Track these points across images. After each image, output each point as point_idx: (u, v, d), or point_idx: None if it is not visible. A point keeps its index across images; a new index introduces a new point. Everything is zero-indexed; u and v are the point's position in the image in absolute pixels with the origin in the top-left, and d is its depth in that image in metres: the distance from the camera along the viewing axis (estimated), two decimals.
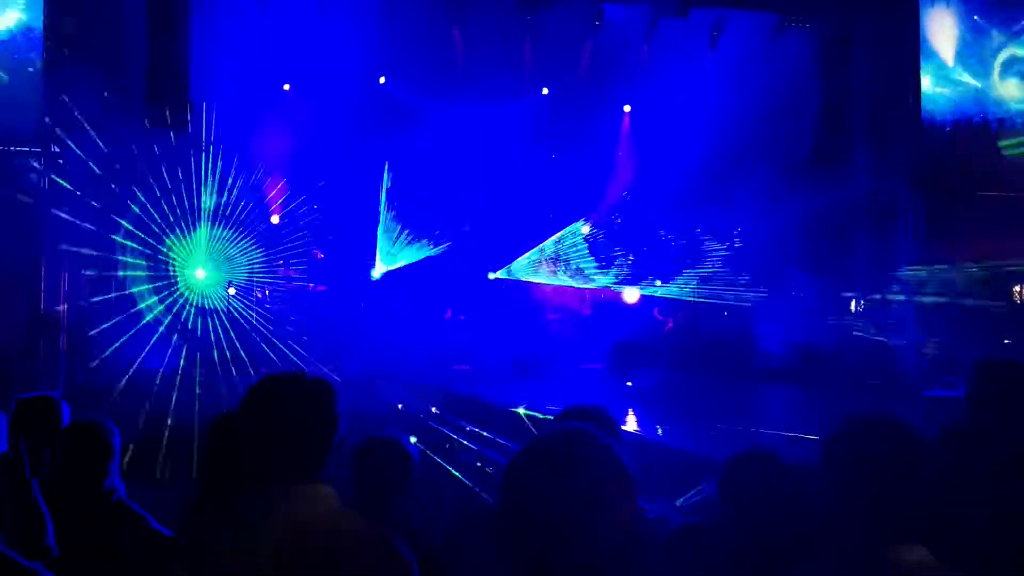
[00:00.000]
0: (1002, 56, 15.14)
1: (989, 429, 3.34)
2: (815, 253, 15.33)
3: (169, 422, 9.50)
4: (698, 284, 17.03)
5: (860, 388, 13.10)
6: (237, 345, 14.04)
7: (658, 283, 17.18)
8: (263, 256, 15.46)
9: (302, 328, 14.94)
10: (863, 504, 1.97)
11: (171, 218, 13.95)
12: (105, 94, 12.68)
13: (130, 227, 13.30)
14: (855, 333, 14.94)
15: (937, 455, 2.07)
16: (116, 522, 3.33)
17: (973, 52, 15.10)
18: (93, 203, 12.79)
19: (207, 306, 14.52)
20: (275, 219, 15.65)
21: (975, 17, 15.03)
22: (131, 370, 12.28)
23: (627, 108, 16.85)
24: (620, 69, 15.70)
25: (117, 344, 12.67)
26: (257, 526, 2.02)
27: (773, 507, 2.94)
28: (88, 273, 12.99)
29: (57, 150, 12.80)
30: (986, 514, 2.87)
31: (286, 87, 15.39)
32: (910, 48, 14.84)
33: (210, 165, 14.05)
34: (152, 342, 13.00)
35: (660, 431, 9.41)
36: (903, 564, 1.89)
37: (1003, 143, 14.44)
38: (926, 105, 14.86)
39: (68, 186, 12.63)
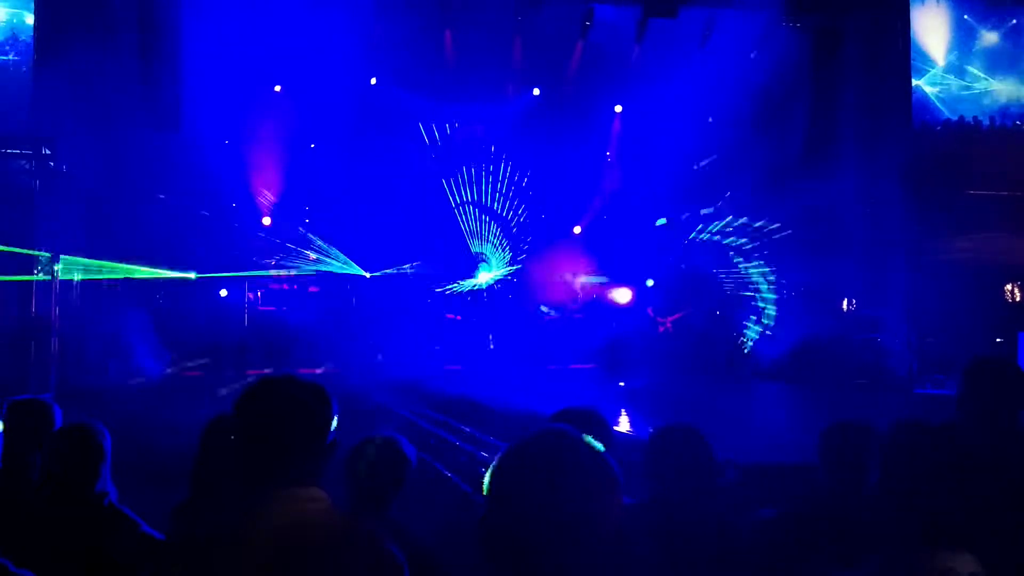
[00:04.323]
0: (992, 55, 15.20)
1: (979, 427, 3.35)
2: (806, 252, 15.36)
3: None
4: (690, 283, 17.08)
5: (852, 387, 13.13)
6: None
7: (650, 282, 17.21)
8: (255, 257, 15.46)
9: (296, 328, 14.94)
10: (915, 510, 1.94)
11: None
12: (95, 96, 12.65)
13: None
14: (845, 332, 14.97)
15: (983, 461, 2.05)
16: (108, 525, 3.32)
17: (963, 51, 15.15)
18: (84, 205, 12.78)
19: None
20: (267, 220, 15.64)
21: (965, 17, 15.08)
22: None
23: (618, 108, 16.87)
24: (611, 69, 15.72)
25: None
26: (249, 528, 2.02)
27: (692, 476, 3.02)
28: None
29: (48, 152, 12.76)
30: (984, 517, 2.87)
31: (277, 88, 15.37)
32: (901, 48, 14.88)
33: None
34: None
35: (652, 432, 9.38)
36: (951, 572, 1.86)
37: None
38: (916, 104, 14.91)
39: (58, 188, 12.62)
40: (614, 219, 17.45)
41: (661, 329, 16.69)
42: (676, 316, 16.77)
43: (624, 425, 9.80)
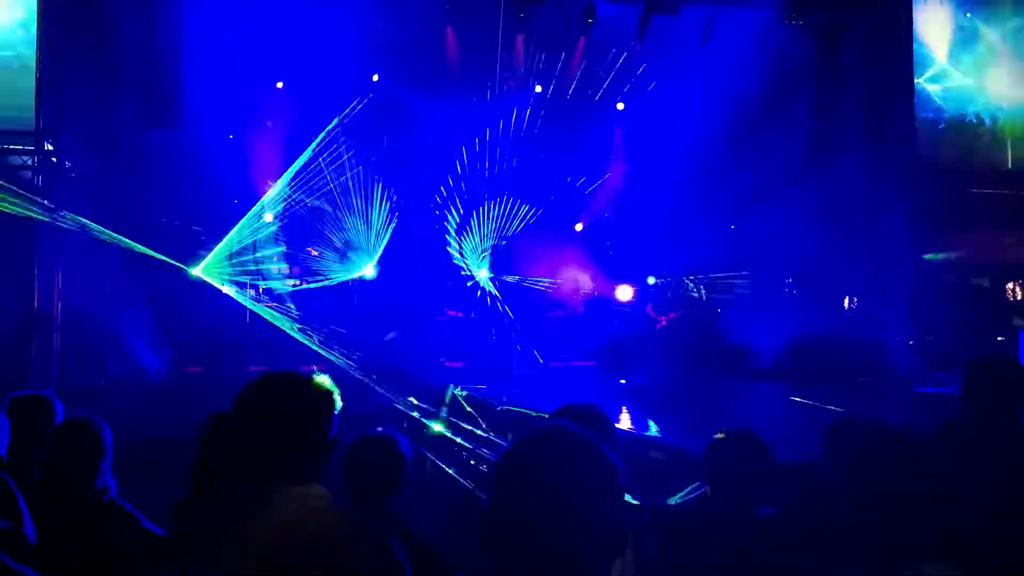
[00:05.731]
0: (994, 53, 15.18)
1: (981, 426, 3.35)
2: (809, 250, 15.34)
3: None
4: (691, 281, 17.07)
5: (853, 385, 13.11)
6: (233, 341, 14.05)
7: (651, 279, 17.19)
8: (256, 254, 15.45)
9: (298, 324, 14.94)
10: (879, 517, 1.93)
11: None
12: (98, 92, 12.66)
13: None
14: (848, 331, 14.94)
15: (938, 458, 2.04)
16: (109, 521, 3.32)
17: (966, 49, 15.13)
18: (86, 202, 12.78)
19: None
20: (269, 217, 15.61)
21: (967, 14, 15.06)
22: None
23: (620, 106, 16.84)
24: (613, 66, 15.72)
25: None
26: (249, 526, 2.02)
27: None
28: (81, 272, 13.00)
29: (50, 148, 12.77)
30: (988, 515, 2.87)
31: (279, 85, 15.35)
32: (903, 45, 14.86)
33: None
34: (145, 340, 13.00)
35: (654, 430, 9.42)
36: None
37: None
38: (919, 102, 14.88)
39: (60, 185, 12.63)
40: (616, 216, 17.43)
41: (659, 327, 16.65)
42: (673, 315, 16.75)
43: (625, 422, 9.81)
